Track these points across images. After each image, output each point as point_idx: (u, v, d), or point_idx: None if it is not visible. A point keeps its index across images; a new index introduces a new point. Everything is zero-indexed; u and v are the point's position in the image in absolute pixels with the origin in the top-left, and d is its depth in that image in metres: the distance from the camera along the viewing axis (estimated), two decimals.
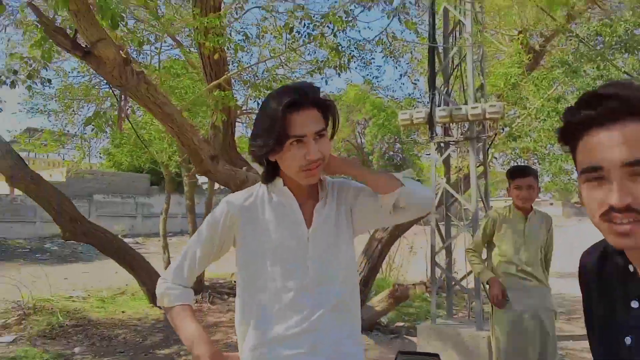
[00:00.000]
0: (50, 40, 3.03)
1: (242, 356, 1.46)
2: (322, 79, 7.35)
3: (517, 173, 3.29)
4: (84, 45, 3.03)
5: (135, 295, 8.50)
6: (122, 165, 21.80)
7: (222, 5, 5.12)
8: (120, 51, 3.14)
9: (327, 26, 4.32)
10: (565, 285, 7.56)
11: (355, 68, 13.61)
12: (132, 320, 6.94)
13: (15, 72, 3.15)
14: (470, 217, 5.14)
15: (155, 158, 8.93)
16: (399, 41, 6.85)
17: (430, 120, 5.07)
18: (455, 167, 6.03)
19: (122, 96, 3.22)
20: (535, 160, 8.49)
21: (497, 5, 7.29)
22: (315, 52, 6.72)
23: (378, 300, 6.26)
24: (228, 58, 5.92)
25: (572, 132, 0.87)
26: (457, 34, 5.70)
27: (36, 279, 8.83)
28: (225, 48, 4.57)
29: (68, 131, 8.43)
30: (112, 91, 4.10)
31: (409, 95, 10.07)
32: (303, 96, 1.35)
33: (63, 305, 7.54)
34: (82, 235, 5.94)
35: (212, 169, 4.20)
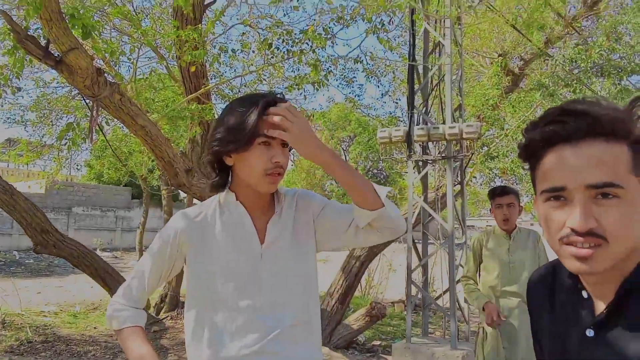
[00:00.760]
0: (22, 49, 2.99)
1: None
2: (300, 94, 7.39)
3: (498, 192, 3.32)
4: (56, 55, 2.99)
5: None
6: (103, 178, 21.54)
7: (205, 19, 5.14)
8: (95, 62, 3.11)
9: (306, 43, 4.34)
10: None
11: (337, 86, 13.70)
12: (103, 337, 6.76)
13: None
14: (447, 236, 5.15)
15: (134, 171, 8.83)
16: (380, 60, 6.94)
17: (408, 138, 5.10)
18: (433, 185, 6.06)
19: (94, 106, 3.18)
20: (514, 181, 8.59)
21: (477, 28, 7.44)
22: (298, 69, 6.78)
23: (355, 319, 6.20)
24: (210, 72, 5.91)
25: (534, 148, 0.82)
26: (437, 54, 5.78)
27: (8, 292, 8.60)
28: (204, 61, 4.56)
29: (45, 142, 8.30)
30: (85, 101, 4.05)
31: (390, 113, 10.16)
32: (278, 100, 1.33)
33: (33, 320, 7.34)
34: (53, 247, 5.80)
35: (186, 182, 4.16)
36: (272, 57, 4.54)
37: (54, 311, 8.48)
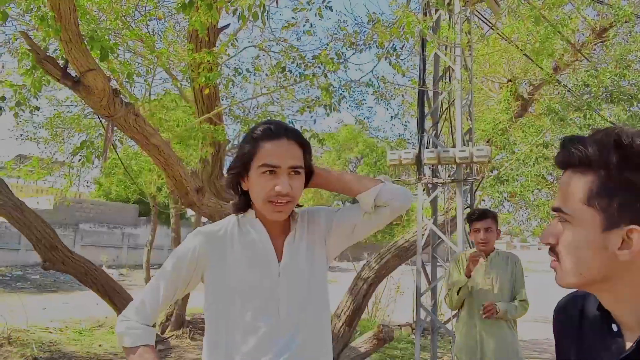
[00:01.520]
0: (41, 69, 3.05)
1: None
2: (310, 117, 7.43)
3: (476, 216, 3.39)
4: (74, 75, 3.05)
5: (114, 328, 8.27)
6: (111, 195, 21.64)
7: (218, 42, 5.22)
8: (110, 82, 3.16)
9: (319, 67, 4.39)
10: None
11: (347, 108, 13.81)
12: (108, 355, 6.72)
13: (3, 99, 3.15)
14: None
15: (143, 189, 8.88)
16: (391, 84, 6.99)
17: (418, 161, 5.12)
18: (443, 208, 6.05)
19: (109, 126, 3.22)
20: (523, 204, 8.53)
21: (487, 54, 7.50)
22: (309, 91, 6.84)
23: (362, 341, 6.12)
24: (222, 93, 5.98)
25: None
26: (448, 79, 5.83)
27: (14, 308, 8.59)
28: (218, 82, 4.62)
29: (57, 159, 8.38)
30: (100, 120, 4.11)
31: (400, 136, 10.18)
32: (279, 127, 1.37)
33: (39, 336, 7.32)
34: (62, 264, 5.82)
35: (197, 201, 4.18)
36: (285, 80, 4.59)
37: (59, 328, 8.46)
